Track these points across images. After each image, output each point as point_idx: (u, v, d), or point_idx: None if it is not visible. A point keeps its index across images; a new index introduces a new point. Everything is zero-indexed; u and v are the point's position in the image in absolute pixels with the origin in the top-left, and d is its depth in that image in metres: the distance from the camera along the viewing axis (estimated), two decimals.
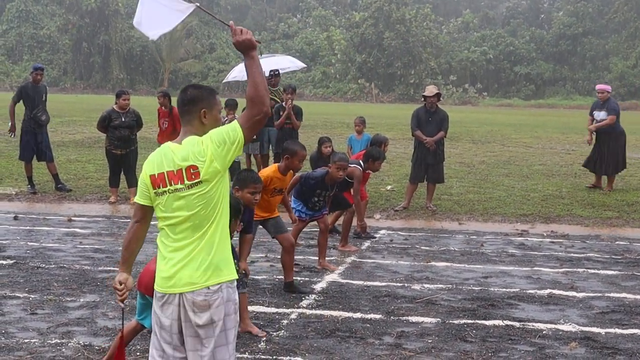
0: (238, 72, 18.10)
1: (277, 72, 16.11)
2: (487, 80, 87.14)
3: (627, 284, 9.12)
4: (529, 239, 11.81)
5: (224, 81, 22.14)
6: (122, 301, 4.40)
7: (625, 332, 7.24)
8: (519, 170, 19.82)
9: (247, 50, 4.20)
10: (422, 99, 14.46)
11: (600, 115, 16.35)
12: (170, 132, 15.40)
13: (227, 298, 4.12)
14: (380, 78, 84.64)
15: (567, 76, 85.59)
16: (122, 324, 4.81)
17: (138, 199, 4.30)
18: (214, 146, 4.06)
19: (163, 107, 15.83)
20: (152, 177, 4.18)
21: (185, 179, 4.08)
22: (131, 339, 6.08)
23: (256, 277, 8.86)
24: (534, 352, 6.60)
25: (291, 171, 8.49)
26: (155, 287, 4.19)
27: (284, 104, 14.73)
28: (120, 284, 4.34)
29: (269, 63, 16.72)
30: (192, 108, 4.23)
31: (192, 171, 4.07)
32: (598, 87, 17.05)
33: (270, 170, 8.42)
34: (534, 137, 31.11)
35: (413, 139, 14.54)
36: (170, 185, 4.12)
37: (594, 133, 16.39)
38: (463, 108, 68.57)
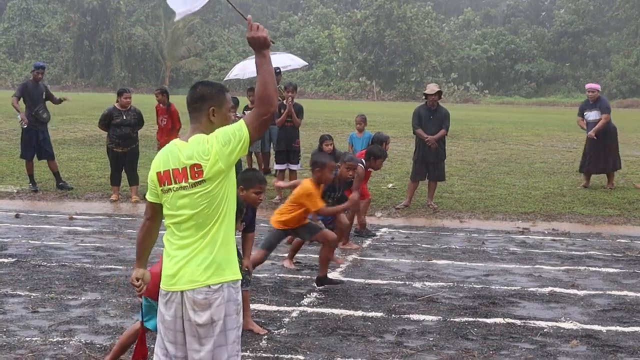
0: (239, 70, 18.08)
1: (278, 70, 16.10)
2: (488, 78, 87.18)
3: (629, 281, 9.12)
4: (530, 236, 11.81)
5: (225, 79, 22.11)
6: (140, 296, 4.47)
7: (626, 329, 7.24)
8: (520, 168, 19.81)
9: (260, 47, 4.15)
10: (424, 97, 14.45)
11: (592, 115, 16.22)
12: (169, 129, 15.40)
13: (228, 298, 4.11)
14: (381, 76, 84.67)
15: (568, 74, 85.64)
16: (142, 319, 4.81)
17: (148, 197, 4.32)
18: (219, 145, 4.04)
19: (161, 104, 15.77)
20: (158, 174, 4.19)
21: (189, 177, 4.08)
22: (134, 341, 6.08)
23: (258, 275, 8.86)
24: (535, 349, 6.60)
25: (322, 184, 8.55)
26: (161, 284, 4.20)
27: (284, 102, 14.72)
28: (137, 280, 4.42)
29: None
30: (200, 105, 4.20)
31: (195, 170, 4.06)
32: (588, 86, 16.91)
33: (308, 185, 8.41)
34: (535, 135, 31.10)
35: (414, 137, 14.54)
36: (175, 183, 4.12)
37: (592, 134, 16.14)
38: (464, 106, 68.60)
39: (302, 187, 8.51)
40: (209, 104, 4.19)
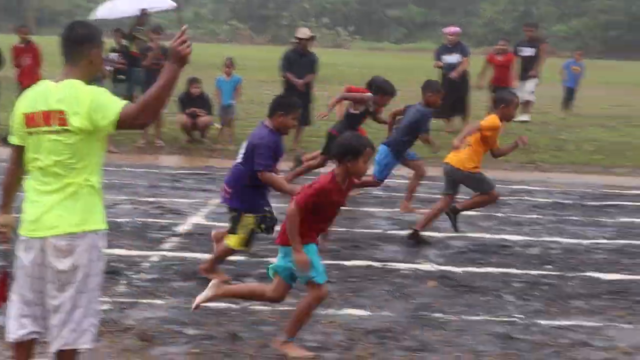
0: (107, 10, 17.50)
1: (145, 12, 15.68)
2: (359, 23, 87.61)
3: (485, 224, 9.44)
4: (393, 180, 11.96)
5: (90, 19, 21.39)
6: (5, 242, 4.38)
7: (480, 270, 7.50)
8: (386, 112, 20.02)
9: (176, 62, 3.96)
10: (296, 40, 14.38)
11: (451, 58, 16.45)
12: (33, 68, 14.87)
13: (92, 244, 4.05)
14: (253, 19, 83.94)
15: (438, 21, 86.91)
16: (4, 265, 4.63)
17: (13, 139, 4.18)
18: (90, 108, 3.93)
19: (21, 43, 15.14)
20: (25, 115, 4.06)
21: (54, 122, 3.96)
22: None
23: (117, 219, 8.67)
24: (393, 291, 6.75)
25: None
26: (20, 231, 4.11)
27: (150, 44, 14.39)
28: (4, 227, 4.33)
29: (139, 1, 16.26)
30: (81, 48, 4.09)
31: (60, 116, 3.95)
32: (449, 30, 17.12)
33: (496, 121, 8.21)
34: (403, 80, 31.50)
35: (283, 80, 14.48)
36: (41, 126, 4.00)
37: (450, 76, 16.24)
38: (335, 51, 68.80)
39: (489, 120, 8.31)
40: (92, 45, 4.11)
